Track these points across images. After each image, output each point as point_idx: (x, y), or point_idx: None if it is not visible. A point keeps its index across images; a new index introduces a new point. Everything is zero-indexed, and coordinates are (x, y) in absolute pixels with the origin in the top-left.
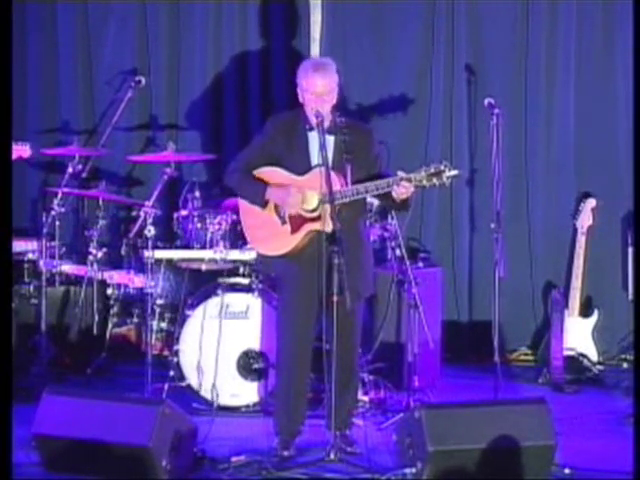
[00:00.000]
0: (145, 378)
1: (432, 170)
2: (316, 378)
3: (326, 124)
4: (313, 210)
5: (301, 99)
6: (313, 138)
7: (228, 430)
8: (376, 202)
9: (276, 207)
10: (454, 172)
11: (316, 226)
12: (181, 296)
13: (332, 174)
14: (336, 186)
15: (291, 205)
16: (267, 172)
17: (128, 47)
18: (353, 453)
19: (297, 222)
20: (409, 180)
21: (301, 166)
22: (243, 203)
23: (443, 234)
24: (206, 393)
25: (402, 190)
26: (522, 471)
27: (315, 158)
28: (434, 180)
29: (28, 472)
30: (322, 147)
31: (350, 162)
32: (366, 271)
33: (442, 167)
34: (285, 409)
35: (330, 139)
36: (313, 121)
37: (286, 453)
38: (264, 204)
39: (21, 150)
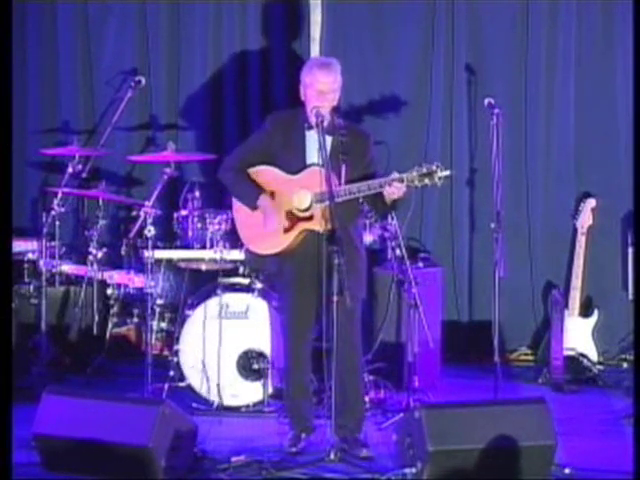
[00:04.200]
0: (145, 378)
1: (424, 170)
2: (317, 378)
3: (325, 124)
4: (306, 209)
5: (302, 96)
6: (310, 137)
7: (228, 430)
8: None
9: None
10: (446, 172)
11: (309, 225)
12: (181, 296)
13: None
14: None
15: (266, 226)
16: (261, 171)
17: (128, 47)
18: (367, 458)
19: (290, 221)
20: (401, 180)
21: (295, 164)
22: (236, 201)
23: (443, 234)
24: (206, 393)
25: (393, 190)
26: (522, 471)
27: (310, 157)
28: (426, 180)
29: (28, 472)
30: (322, 147)
31: (346, 163)
32: (360, 273)
33: (434, 167)
34: (291, 407)
35: (328, 139)
36: (313, 121)
37: (293, 449)
38: (254, 208)
39: None
